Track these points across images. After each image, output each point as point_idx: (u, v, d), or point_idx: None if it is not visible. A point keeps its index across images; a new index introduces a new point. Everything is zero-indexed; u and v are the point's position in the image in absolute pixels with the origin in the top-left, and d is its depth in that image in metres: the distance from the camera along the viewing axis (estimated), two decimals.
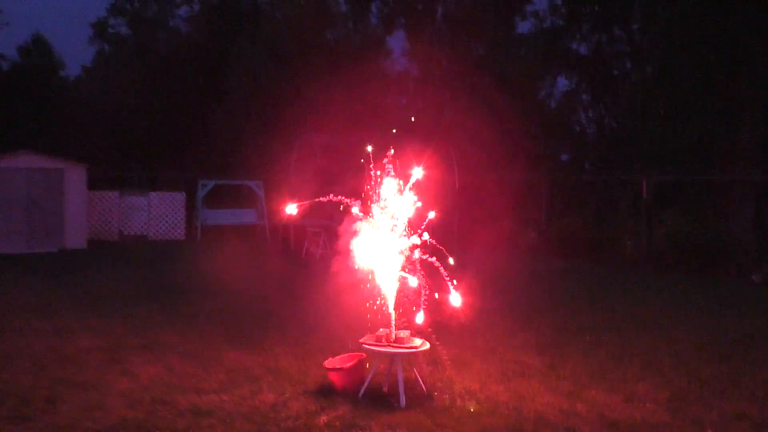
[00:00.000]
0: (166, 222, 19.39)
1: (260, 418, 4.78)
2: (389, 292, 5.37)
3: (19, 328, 7.57)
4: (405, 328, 5.42)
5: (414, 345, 5.25)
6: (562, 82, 32.89)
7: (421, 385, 5.39)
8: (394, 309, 5.37)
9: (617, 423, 4.83)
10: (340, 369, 5.29)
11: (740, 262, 12.94)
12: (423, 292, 5.25)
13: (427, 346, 5.35)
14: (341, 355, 5.62)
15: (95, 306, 9.05)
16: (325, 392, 5.30)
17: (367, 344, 5.27)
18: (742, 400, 5.44)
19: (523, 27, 48.10)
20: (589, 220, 16.41)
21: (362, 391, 5.21)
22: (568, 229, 16.04)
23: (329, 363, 5.45)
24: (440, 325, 7.17)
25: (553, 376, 5.98)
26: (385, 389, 5.34)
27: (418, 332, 5.50)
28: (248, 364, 6.15)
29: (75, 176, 16.74)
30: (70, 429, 4.57)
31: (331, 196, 5.42)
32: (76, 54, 46.18)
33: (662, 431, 4.73)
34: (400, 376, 5.14)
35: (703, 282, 11.86)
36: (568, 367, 6.29)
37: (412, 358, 5.48)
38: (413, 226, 5.42)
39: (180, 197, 19.67)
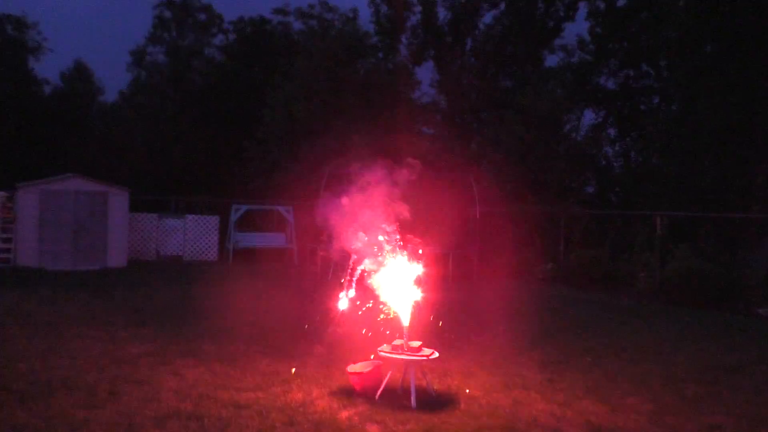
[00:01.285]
0: (201, 244, 20.46)
1: (291, 412, 5.59)
2: (403, 309, 6.16)
3: (76, 334, 8.51)
4: (417, 340, 6.21)
5: (425, 354, 6.03)
6: (589, 116, 33.53)
7: (430, 390, 6.15)
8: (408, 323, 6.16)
9: (601, 427, 5.54)
10: (360, 373, 6.10)
11: (748, 297, 13.45)
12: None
13: (437, 355, 6.13)
14: (361, 362, 6.41)
15: (140, 318, 9.97)
16: (347, 393, 6.10)
17: (384, 352, 6.06)
18: (719, 414, 6.08)
19: (551, 60, 48.85)
20: (605, 253, 16.99)
21: (379, 393, 6.00)
22: (584, 261, 16.64)
23: (351, 368, 6.27)
24: (452, 342, 7.97)
25: (551, 388, 6.70)
26: (398, 392, 6.10)
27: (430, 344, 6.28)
28: (279, 369, 6.98)
29: (118, 199, 17.88)
30: (133, 415, 5.42)
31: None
32: (111, 79, 48.02)
33: None
34: (412, 381, 5.92)
35: (709, 315, 12.39)
36: (565, 382, 7.00)
37: (424, 365, 6.24)
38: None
39: (214, 220, 20.76)
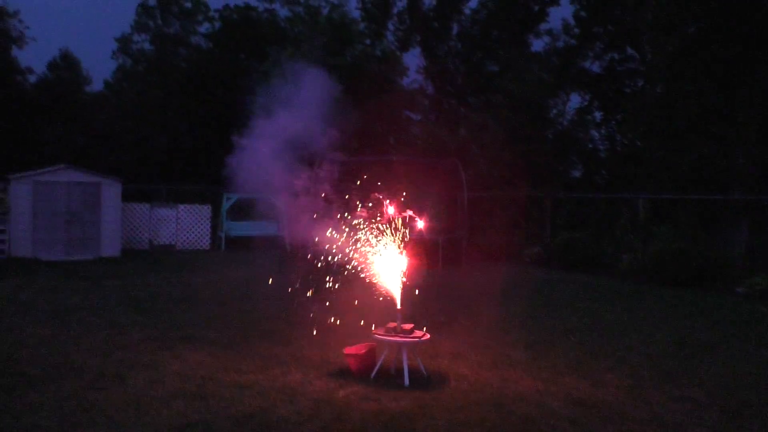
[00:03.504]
0: (193, 233, 20.70)
1: (291, 392, 5.91)
2: (396, 293, 6.49)
3: (77, 322, 8.80)
4: (410, 323, 6.55)
5: (417, 336, 6.37)
6: (575, 99, 33.89)
7: (422, 370, 6.49)
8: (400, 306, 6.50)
9: (581, 400, 5.91)
10: (356, 354, 6.44)
11: (728, 277, 13.90)
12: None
13: (428, 336, 6.47)
14: (357, 345, 6.74)
15: (137, 307, 10.25)
16: (343, 374, 6.43)
17: (378, 335, 6.39)
18: (691, 387, 6.47)
19: (537, 45, 49.12)
20: (590, 235, 17.40)
21: (373, 373, 6.34)
22: (569, 243, 17.04)
23: (347, 350, 6.60)
24: (443, 325, 8.32)
25: (536, 366, 7.06)
26: (392, 372, 6.44)
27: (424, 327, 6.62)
28: (278, 353, 7.30)
29: (111, 190, 18.06)
30: (140, 396, 5.72)
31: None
32: (97, 68, 47.95)
33: (617, 407, 5.78)
34: (405, 362, 6.26)
35: (689, 294, 12.82)
36: (550, 360, 7.37)
37: (416, 346, 6.58)
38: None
39: (206, 209, 20.99)
